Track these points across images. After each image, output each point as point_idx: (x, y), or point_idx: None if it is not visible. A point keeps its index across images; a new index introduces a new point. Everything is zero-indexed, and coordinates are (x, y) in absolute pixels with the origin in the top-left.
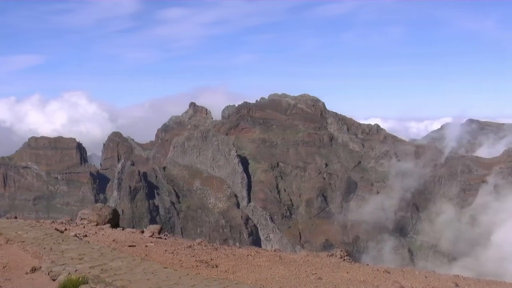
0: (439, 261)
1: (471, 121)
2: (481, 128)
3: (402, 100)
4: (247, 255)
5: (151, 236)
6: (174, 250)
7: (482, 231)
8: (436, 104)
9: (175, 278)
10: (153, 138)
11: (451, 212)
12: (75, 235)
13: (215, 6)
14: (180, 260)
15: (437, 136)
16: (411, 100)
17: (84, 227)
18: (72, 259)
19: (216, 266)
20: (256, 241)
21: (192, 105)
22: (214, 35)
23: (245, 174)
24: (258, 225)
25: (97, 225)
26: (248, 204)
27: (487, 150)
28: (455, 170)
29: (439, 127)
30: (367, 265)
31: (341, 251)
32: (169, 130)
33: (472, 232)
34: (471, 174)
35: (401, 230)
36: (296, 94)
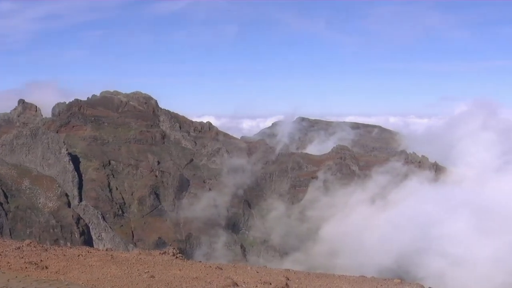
0: (270, 256)
1: (301, 119)
2: (311, 126)
3: (236, 98)
4: (78, 255)
5: None
6: (2, 252)
7: (311, 226)
8: (269, 102)
9: (3, 281)
10: None
11: (282, 208)
12: None
13: (45, 1)
14: (9, 262)
15: (269, 133)
16: (244, 98)
17: None
18: None
19: (46, 268)
20: (88, 241)
21: (21, 102)
22: (44, 30)
23: (76, 173)
24: (89, 225)
25: None
26: (79, 203)
27: (317, 147)
28: (285, 167)
29: (271, 124)
30: (200, 262)
31: (174, 248)
32: None
33: (302, 227)
34: (301, 171)
35: (233, 226)
36: (128, 92)
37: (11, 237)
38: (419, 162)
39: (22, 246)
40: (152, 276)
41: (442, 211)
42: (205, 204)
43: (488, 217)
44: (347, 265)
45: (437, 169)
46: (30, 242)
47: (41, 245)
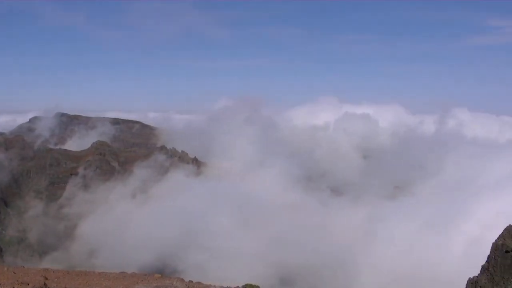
0: (28, 256)
1: (61, 114)
2: (70, 121)
3: None
4: None
5: None
6: None
7: (70, 224)
8: (26, 97)
9: None
10: None
11: (39, 206)
12: None
13: None
14: None
15: (26, 129)
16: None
17: None
18: None
19: None
20: None
21: None
22: None
23: None
24: None
25: None
26: None
27: (76, 143)
28: (43, 164)
29: (29, 120)
30: None
31: None
32: None
33: (60, 225)
34: (60, 167)
35: None
36: None
37: None
38: (179, 157)
39: None
40: None
41: (205, 205)
42: None
43: (249, 210)
44: (107, 262)
45: (198, 163)
46: None
47: None
